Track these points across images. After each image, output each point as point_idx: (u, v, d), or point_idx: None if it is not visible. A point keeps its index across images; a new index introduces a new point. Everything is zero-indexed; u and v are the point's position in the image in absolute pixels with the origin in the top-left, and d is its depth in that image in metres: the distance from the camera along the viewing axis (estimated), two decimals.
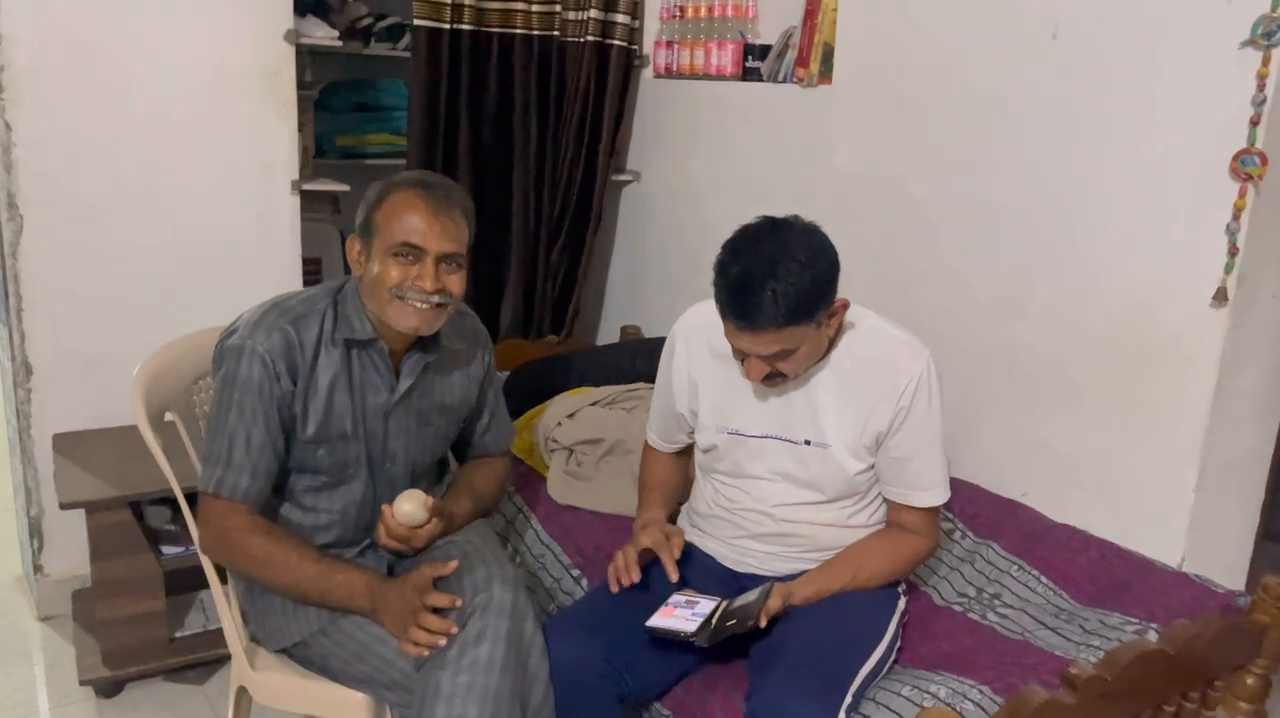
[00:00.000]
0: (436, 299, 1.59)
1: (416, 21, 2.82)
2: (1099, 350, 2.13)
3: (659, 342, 2.80)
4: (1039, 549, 2.04)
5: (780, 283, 1.53)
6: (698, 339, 1.84)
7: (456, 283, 1.62)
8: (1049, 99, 2.16)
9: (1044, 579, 1.97)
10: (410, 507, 1.65)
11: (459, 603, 1.54)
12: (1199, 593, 1.86)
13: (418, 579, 1.57)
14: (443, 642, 1.52)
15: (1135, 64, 2.01)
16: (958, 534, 2.13)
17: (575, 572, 2.07)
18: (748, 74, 2.90)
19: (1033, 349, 2.25)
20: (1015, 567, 2.01)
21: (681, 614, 1.60)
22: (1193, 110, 1.93)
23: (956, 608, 1.92)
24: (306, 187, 2.73)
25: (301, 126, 2.72)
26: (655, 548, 1.73)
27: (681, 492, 2.00)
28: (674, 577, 1.70)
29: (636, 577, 1.70)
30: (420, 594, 1.55)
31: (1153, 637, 1.71)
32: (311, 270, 3.03)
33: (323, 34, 2.81)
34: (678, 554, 1.73)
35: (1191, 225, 1.95)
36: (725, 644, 1.66)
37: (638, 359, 2.75)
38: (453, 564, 1.59)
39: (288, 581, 1.61)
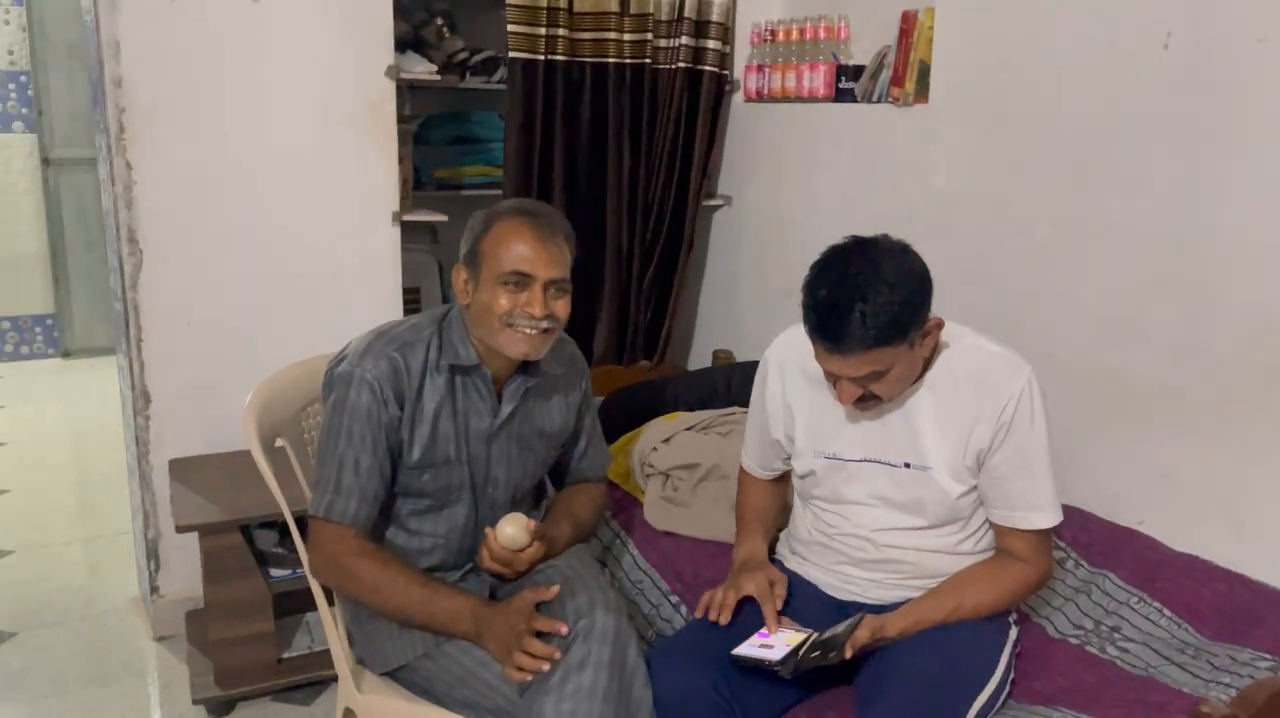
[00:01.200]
0: (545, 324, 1.62)
1: (512, 54, 2.87)
2: (1222, 373, 2.03)
3: (753, 365, 2.77)
4: (1159, 580, 1.95)
5: (869, 304, 1.50)
6: (791, 364, 1.81)
7: (563, 308, 1.65)
8: (1161, 111, 2.09)
9: (1167, 612, 1.88)
10: (513, 530, 1.66)
11: (563, 629, 1.54)
12: None
13: (521, 604, 1.58)
14: (546, 667, 1.52)
15: (1251, 71, 1.93)
16: (1070, 564, 2.05)
17: (674, 598, 2.05)
18: (840, 95, 2.88)
19: (1147, 372, 2.16)
20: (1135, 598, 1.92)
21: (769, 644, 1.57)
22: None
23: (1073, 641, 1.84)
24: (406, 218, 2.80)
25: (401, 159, 2.79)
26: (758, 598, 1.66)
27: (780, 518, 1.96)
28: (773, 630, 1.62)
29: (725, 619, 1.65)
30: (523, 619, 1.56)
31: None
32: (411, 300, 3.10)
33: (422, 69, 2.88)
34: (780, 604, 1.66)
35: None
36: (830, 675, 1.63)
37: (732, 383, 2.73)
38: (555, 589, 1.60)
39: (394, 604, 1.63)
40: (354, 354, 1.65)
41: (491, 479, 1.74)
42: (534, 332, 1.62)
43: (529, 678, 1.53)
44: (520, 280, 1.60)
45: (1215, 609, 1.87)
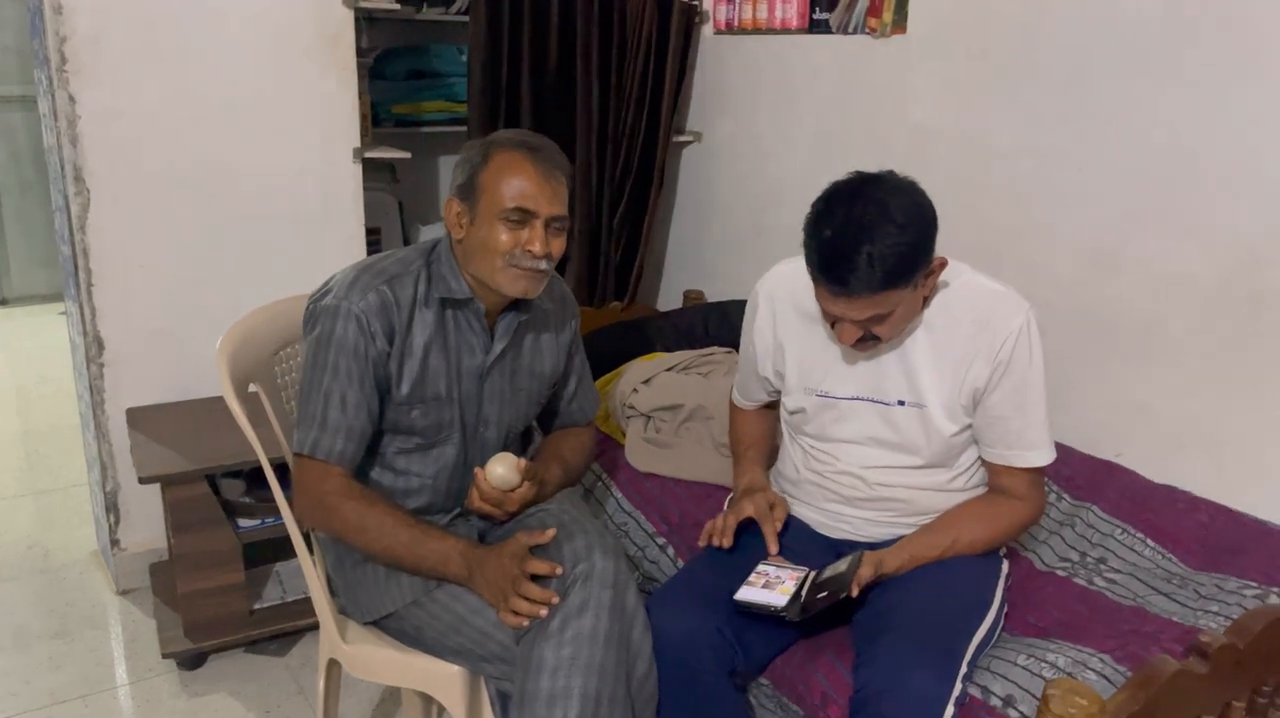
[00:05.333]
0: (544, 264, 1.55)
1: None
2: (1203, 305, 2.03)
3: (732, 304, 2.75)
4: (1142, 512, 1.97)
5: (876, 246, 1.45)
6: (783, 299, 1.77)
7: (559, 246, 1.58)
8: (1145, 42, 2.06)
9: (1150, 543, 1.90)
10: (503, 470, 1.61)
11: (559, 571, 1.50)
12: None
13: (515, 547, 1.53)
14: (544, 612, 1.48)
15: (1238, 2, 1.90)
16: (1053, 497, 2.06)
17: (660, 540, 2.02)
18: (815, 26, 2.82)
19: (1128, 305, 2.16)
20: (1119, 530, 1.94)
21: (769, 587, 1.56)
22: None
23: (1060, 573, 1.85)
24: (367, 155, 2.69)
25: (360, 94, 2.67)
26: (757, 518, 1.70)
27: (775, 443, 1.95)
28: (773, 548, 1.67)
29: (728, 543, 1.68)
30: (519, 562, 1.51)
31: (1275, 601, 1.64)
32: (372, 241, 2.99)
33: None
34: (779, 526, 1.70)
35: None
36: (826, 614, 1.61)
37: (709, 323, 2.70)
38: (550, 532, 1.55)
39: (380, 546, 1.57)
40: (339, 287, 1.57)
41: (483, 419, 1.68)
42: (533, 270, 1.55)
43: (525, 624, 1.49)
44: (522, 217, 1.53)
45: (1198, 540, 1.89)
